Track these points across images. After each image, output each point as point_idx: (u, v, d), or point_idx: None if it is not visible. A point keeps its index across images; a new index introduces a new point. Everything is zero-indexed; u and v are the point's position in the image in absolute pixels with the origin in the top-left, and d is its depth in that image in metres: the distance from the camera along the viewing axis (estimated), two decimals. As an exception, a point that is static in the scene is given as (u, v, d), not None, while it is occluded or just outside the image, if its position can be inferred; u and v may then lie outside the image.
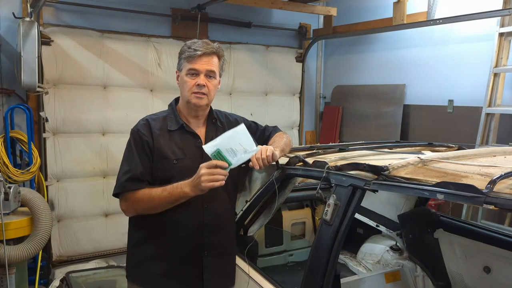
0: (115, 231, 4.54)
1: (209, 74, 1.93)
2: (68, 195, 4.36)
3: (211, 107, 2.08)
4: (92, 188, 4.47)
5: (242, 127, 1.78)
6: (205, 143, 1.94)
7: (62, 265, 4.30)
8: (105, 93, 4.51)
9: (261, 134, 2.18)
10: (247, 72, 5.30)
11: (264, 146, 1.91)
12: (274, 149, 1.92)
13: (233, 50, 5.19)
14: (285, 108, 5.70)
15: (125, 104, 4.57)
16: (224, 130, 2.04)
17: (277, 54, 5.55)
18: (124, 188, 1.88)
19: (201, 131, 2.01)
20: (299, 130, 5.89)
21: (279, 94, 5.64)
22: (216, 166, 1.73)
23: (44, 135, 4.23)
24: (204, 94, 1.92)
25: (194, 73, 1.91)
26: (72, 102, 4.33)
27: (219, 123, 2.07)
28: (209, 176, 1.72)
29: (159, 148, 1.90)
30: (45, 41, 4.11)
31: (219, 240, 1.99)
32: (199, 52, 1.89)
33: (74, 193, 4.39)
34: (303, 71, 5.77)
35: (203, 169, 1.74)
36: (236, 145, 1.75)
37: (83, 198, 4.43)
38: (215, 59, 1.95)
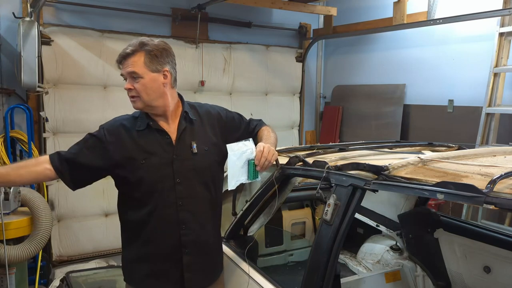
0: (115, 231, 4.50)
1: (133, 76, 1.86)
2: (68, 195, 4.35)
3: (183, 100, 2.01)
4: (92, 188, 4.39)
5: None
6: (176, 138, 1.91)
7: (62, 265, 4.30)
8: (105, 93, 4.51)
9: (246, 127, 2.12)
10: (247, 72, 5.30)
11: (263, 144, 1.86)
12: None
13: (233, 50, 5.19)
14: (285, 108, 5.70)
15: (125, 104, 4.52)
16: (201, 123, 1.99)
17: (277, 54, 5.56)
18: (51, 156, 1.88)
19: (171, 128, 1.93)
20: (299, 130, 5.89)
21: (279, 94, 5.64)
22: None
23: (44, 135, 4.23)
24: (134, 96, 1.88)
25: (124, 78, 1.90)
26: (72, 102, 4.33)
27: (194, 116, 1.98)
28: None
29: (126, 151, 1.86)
30: (45, 41, 4.11)
31: (198, 238, 1.93)
32: (118, 58, 1.89)
33: (74, 193, 4.30)
34: (303, 71, 5.77)
35: None
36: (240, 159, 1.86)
37: (83, 198, 4.42)
38: (136, 58, 1.85)
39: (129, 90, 1.87)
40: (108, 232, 4.57)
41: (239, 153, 1.85)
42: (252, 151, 1.85)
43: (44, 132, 4.23)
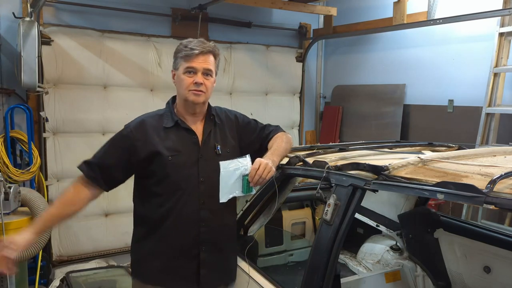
0: (115, 231, 4.54)
1: (206, 72, 1.96)
2: None
3: (209, 104, 2.10)
4: None
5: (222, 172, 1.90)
6: (203, 139, 1.99)
7: (62, 265, 4.30)
8: (105, 92, 4.51)
9: (260, 132, 2.17)
10: (247, 72, 5.30)
11: (260, 161, 1.89)
12: (272, 159, 1.95)
13: (233, 50, 5.19)
14: (285, 108, 5.70)
15: (125, 103, 4.57)
16: (223, 126, 2.07)
17: (277, 54, 5.55)
18: (79, 167, 1.95)
19: (198, 128, 2.02)
20: (299, 130, 5.89)
21: (279, 94, 5.64)
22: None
23: (44, 134, 4.23)
24: (201, 91, 1.95)
25: (192, 71, 1.94)
26: (72, 101, 4.33)
27: (218, 119, 2.08)
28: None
29: (153, 146, 1.92)
30: (45, 40, 4.11)
31: (217, 236, 1.99)
32: (196, 51, 1.93)
33: None
34: (303, 71, 5.77)
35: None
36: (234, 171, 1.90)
37: (83, 198, 4.43)
38: (211, 58, 1.98)
39: (200, 84, 1.94)
40: (108, 232, 4.56)
41: (232, 170, 1.89)
42: (247, 169, 1.89)
43: (44, 132, 4.23)
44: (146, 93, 4.71)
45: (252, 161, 1.92)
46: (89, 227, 4.49)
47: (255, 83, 5.41)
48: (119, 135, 1.98)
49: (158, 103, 4.63)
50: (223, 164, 1.89)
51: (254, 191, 1.94)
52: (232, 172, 1.88)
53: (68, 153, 4.33)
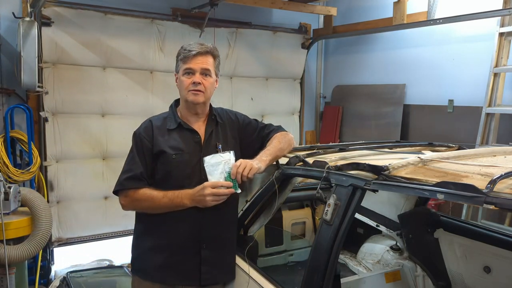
0: (115, 214, 4.48)
1: (205, 72, 2.01)
2: (67, 177, 4.33)
3: (211, 105, 2.14)
4: (92, 170, 4.44)
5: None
6: (205, 138, 2.03)
7: (61, 246, 4.34)
8: (105, 74, 4.46)
9: (260, 131, 2.20)
10: (250, 57, 5.28)
11: (241, 161, 1.91)
12: (260, 159, 1.96)
13: (238, 34, 5.15)
14: (286, 94, 5.68)
15: (125, 85, 4.53)
16: (224, 126, 2.12)
17: (283, 40, 5.51)
18: (122, 186, 1.98)
19: (200, 128, 2.07)
20: (299, 116, 5.87)
21: (281, 80, 5.61)
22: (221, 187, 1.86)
23: (42, 114, 4.18)
24: (200, 91, 1.99)
25: (190, 72, 1.99)
26: (71, 83, 4.28)
27: (219, 119, 2.13)
28: (214, 197, 1.85)
29: (158, 145, 1.99)
30: (45, 22, 4.06)
31: (218, 234, 2.03)
32: (193, 52, 1.98)
33: (73, 175, 4.36)
34: (306, 57, 5.74)
35: (207, 189, 1.84)
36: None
37: (83, 180, 4.40)
38: (209, 59, 2.02)
39: (197, 83, 1.99)
40: (107, 215, 4.53)
41: (214, 163, 1.92)
42: (229, 164, 1.92)
43: (43, 110, 4.17)
44: (146, 76, 4.65)
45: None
46: (88, 209, 4.45)
47: (257, 68, 5.38)
48: (133, 143, 2.05)
49: (157, 86, 4.60)
50: (206, 159, 1.93)
51: (239, 191, 1.93)
52: (215, 166, 1.91)
53: (67, 134, 4.30)
